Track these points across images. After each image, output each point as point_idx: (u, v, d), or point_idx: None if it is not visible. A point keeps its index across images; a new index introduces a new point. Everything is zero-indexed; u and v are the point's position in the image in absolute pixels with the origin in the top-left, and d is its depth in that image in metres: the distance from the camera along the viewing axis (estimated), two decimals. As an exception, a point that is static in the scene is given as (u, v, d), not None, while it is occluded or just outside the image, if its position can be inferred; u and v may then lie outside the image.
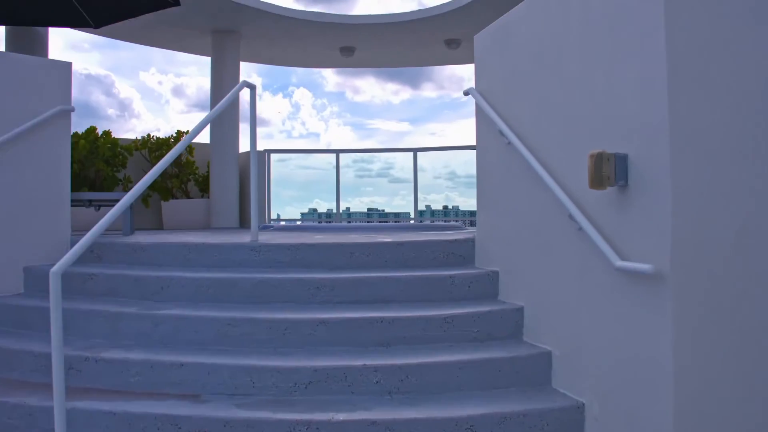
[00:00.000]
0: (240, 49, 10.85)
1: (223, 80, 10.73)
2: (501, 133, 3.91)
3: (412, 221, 10.89)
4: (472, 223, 12.44)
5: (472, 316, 3.69)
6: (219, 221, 10.60)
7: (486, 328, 3.70)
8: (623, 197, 2.85)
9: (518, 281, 3.85)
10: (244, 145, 10.95)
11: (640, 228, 2.74)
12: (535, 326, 3.66)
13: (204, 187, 11.01)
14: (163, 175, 10.93)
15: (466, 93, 4.43)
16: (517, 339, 3.75)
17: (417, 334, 3.63)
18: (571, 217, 3.16)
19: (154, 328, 3.79)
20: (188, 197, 11.09)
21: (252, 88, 4.56)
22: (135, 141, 10.95)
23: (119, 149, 10.77)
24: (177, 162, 11.00)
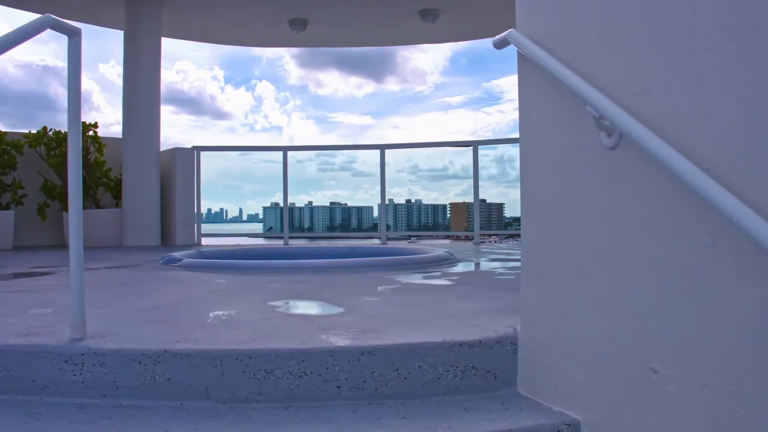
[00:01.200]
0: (162, 21, 8.54)
1: (140, 61, 8.41)
2: (598, 120, 1.75)
3: (378, 243, 8.72)
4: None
5: None
6: (135, 238, 8.29)
7: None
8: None
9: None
10: (170, 139, 8.68)
11: None
12: None
13: (118, 193, 8.70)
14: (64, 178, 8.60)
15: (499, 44, 2.27)
16: None
17: None
18: None
19: None
20: (98, 206, 8.76)
21: (73, 35, 2.29)
22: (27, 136, 8.57)
23: (4, 146, 8.39)
24: (84, 162, 8.66)
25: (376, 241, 8.73)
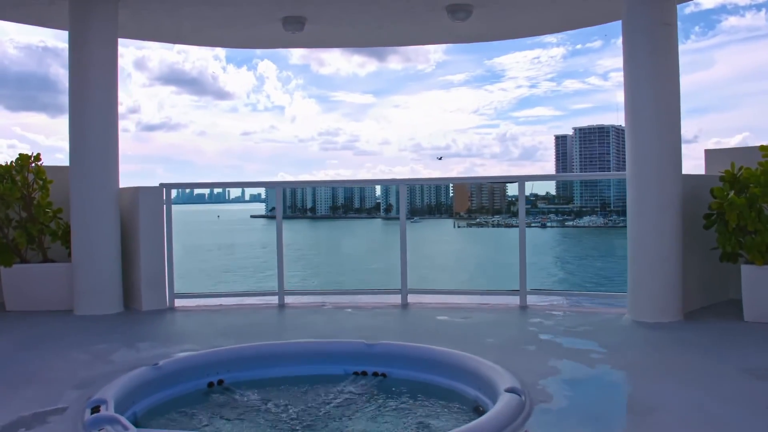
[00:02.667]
0: (118, 23, 6.66)
1: (90, 73, 6.56)
2: None
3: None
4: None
5: None
6: (88, 304, 6.51)
7: None
8: None
9: None
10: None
11: None
12: None
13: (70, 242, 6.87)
14: (1, 223, 6.80)
15: None
16: None
17: None
18: None
19: None
20: (45, 259, 6.96)
21: None
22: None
23: None
24: (26, 203, 6.87)
25: (394, 299, 6.89)
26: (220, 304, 6.89)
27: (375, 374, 4.69)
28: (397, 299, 6.86)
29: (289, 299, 6.98)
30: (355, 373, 4.70)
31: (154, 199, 6.71)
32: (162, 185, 6.80)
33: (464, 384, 4.28)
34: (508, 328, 5.77)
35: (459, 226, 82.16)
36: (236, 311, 6.63)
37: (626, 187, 5.86)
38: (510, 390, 3.64)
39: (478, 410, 3.95)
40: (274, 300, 6.95)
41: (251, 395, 4.30)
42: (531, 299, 6.59)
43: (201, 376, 4.51)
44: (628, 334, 5.38)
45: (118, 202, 6.63)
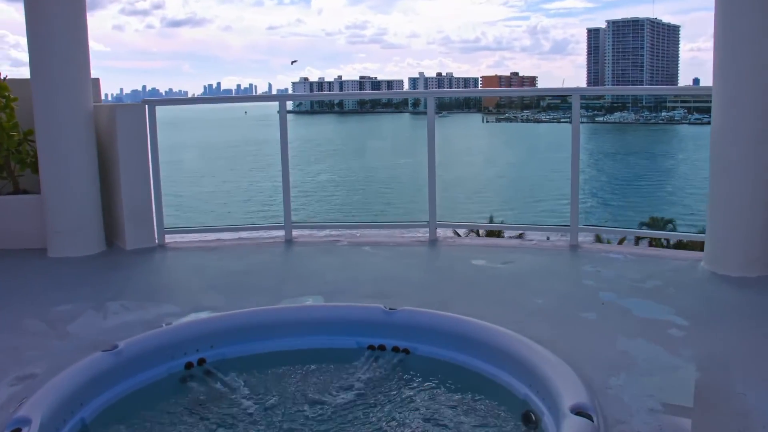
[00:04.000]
0: None
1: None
2: None
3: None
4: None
5: None
6: (62, 243, 5.60)
7: None
8: None
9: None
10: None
11: None
12: None
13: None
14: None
15: None
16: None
17: None
18: None
19: None
20: (17, 189, 6.01)
21: None
22: None
23: None
24: (-13, 124, 5.84)
25: (421, 234, 5.89)
26: (218, 239, 5.95)
27: (395, 349, 3.73)
28: (424, 234, 5.85)
29: (297, 233, 5.99)
30: (371, 348, 3.75)
31: (136, 119, 5.63)
32: (145, 102, 5.70)
33: (511, 375, 3.30)
34: (559, 280, 4.75)
35: (487, 121, 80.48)
36: (235, 250, 5.68)
37: (711, 105, 4.65)
38: (578, 410, 2.65)
39: (529, 419, 3.00)
40: (280, 234, 5.96)
41: (239, 384, 3.39)
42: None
43: (175, 357, 3.58)
44: (711, 295, 4.32)
45: (92, 123, 5.58)
